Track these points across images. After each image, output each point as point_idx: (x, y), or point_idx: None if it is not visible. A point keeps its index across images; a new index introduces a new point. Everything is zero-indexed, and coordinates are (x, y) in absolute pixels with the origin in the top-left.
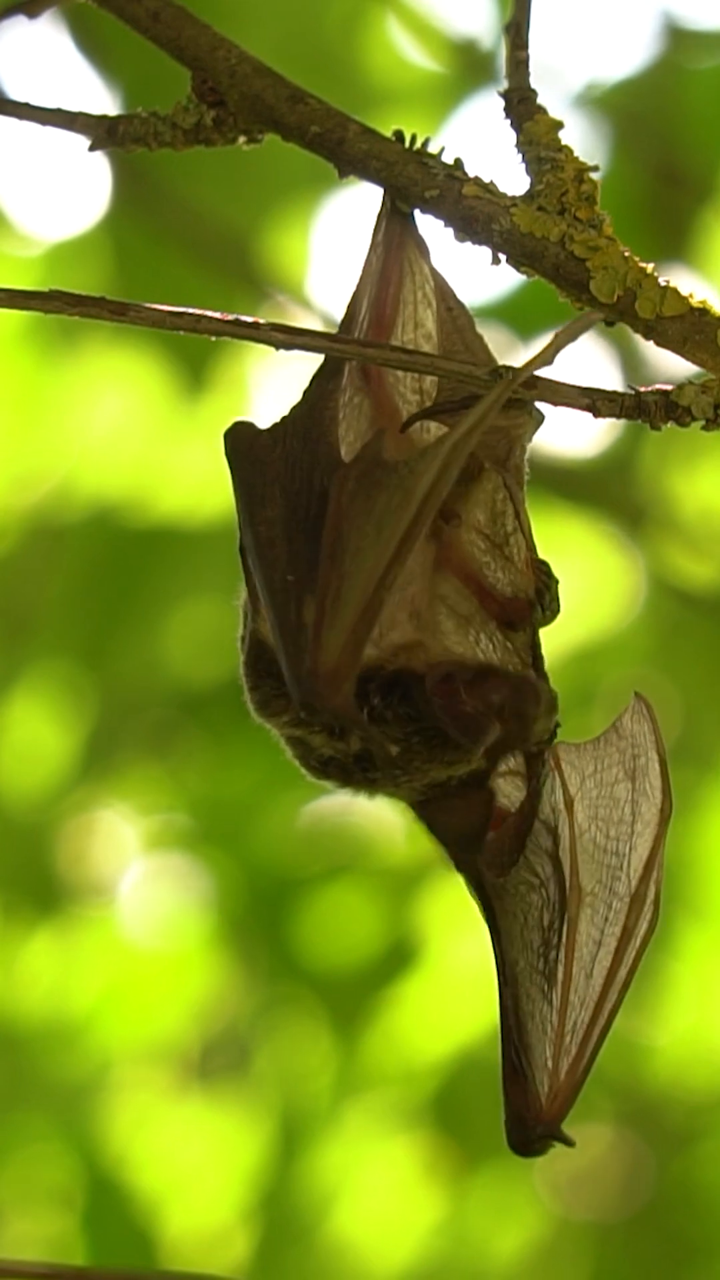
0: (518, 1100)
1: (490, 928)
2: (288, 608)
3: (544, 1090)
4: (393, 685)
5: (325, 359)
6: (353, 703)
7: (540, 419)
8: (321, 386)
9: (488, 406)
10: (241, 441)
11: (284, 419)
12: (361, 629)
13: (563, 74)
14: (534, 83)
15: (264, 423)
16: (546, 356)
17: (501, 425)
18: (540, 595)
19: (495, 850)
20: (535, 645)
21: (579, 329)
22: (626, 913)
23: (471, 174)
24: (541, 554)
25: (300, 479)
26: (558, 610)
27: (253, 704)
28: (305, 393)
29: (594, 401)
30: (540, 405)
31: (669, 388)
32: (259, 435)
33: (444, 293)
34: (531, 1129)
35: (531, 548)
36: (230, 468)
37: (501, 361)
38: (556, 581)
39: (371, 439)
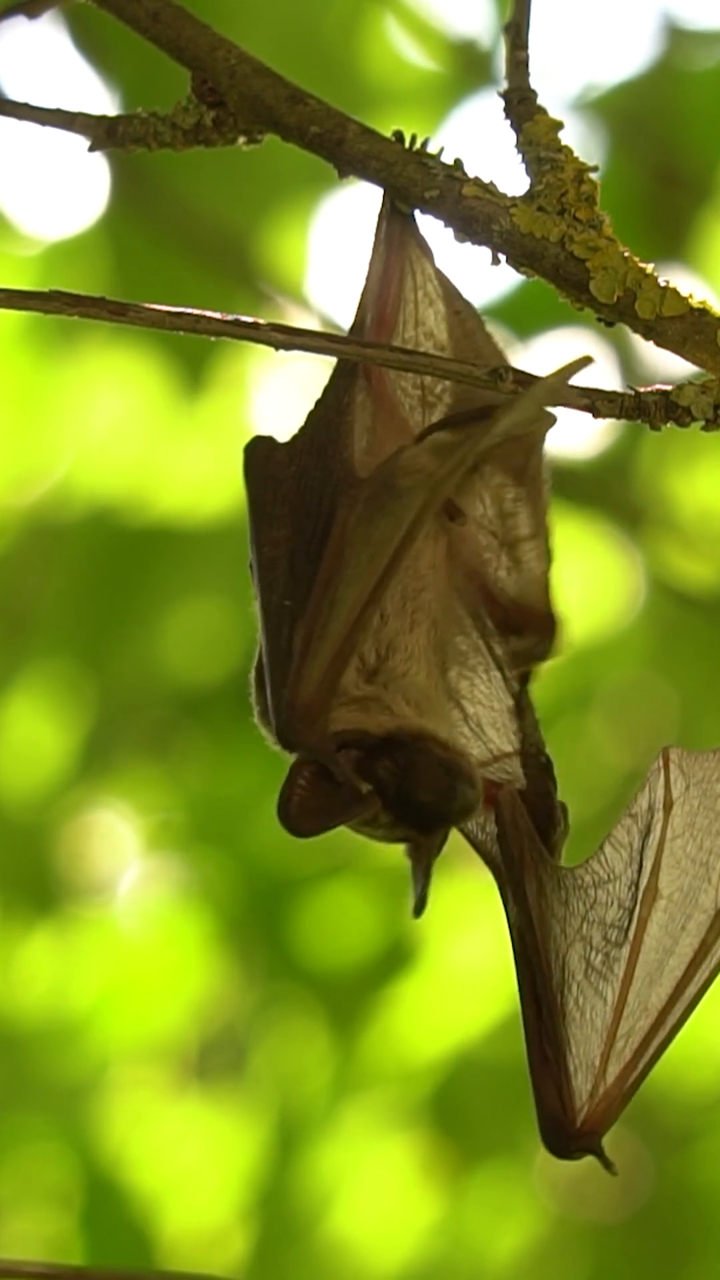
0: (552, 1098)
1: (518, 919)
2: (280, 632)
3: (587, 1090)
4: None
5: (338, 367)
6: (327, 739)
7: (552, 420)
8: (338, 399)
9: (480, 444)
10: (257, 458)
11: (301, 432)
12: (337, 665)
13: (562, 74)
14: (534, 83)
15: (282, 435)
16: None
17: (517, 436)
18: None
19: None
20: (525, 687)
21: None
22: (709, 928)
23: (471, 174)
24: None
25: (311, 499)
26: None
27: (256, 711)
28: (321, 403)
29: (594, 401)
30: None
31: (669, 388)
32: (275, 451)
33: (450, 294)
34: (572, 1135)
35: (548, 559)
36: (245, 484)
37: (508, 362)
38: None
39: (388, 458)
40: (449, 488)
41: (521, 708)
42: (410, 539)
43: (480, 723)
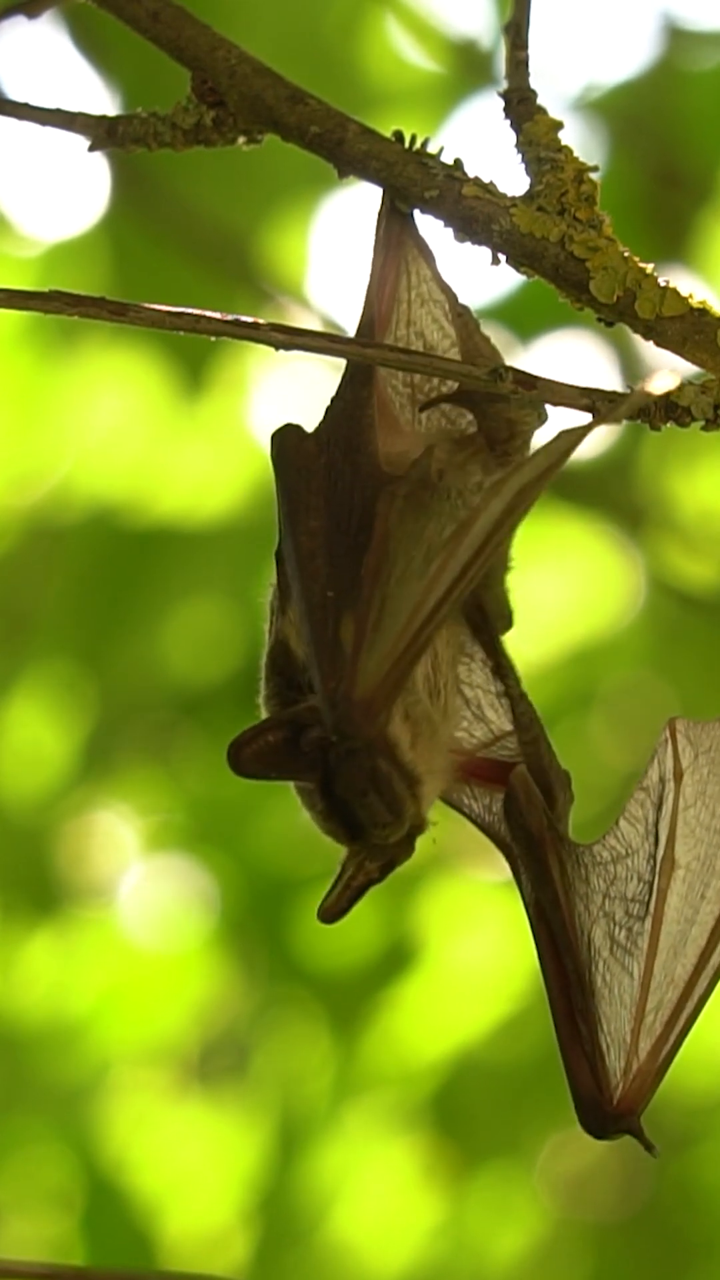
0: (585, 1076)
1: (542, 898)
2: (325, 624)
3: (620, 1068)
4: None
5: (354, 363)
6: (386, 735)
7: (544, 417)
8: (356, 393)
9: (562, 451)
10: (289, 447)
11: (325, 425)
12: (405, 661)
13: (562, 74)
14: (534, 83)
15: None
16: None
17: (507, 416)
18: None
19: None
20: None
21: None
22: None
23: (471, 174)
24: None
25: (343, 491)
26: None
27: (261, 696)
28: (339, 398)
29: (594, 401)
30: (543, 405)
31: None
32: (305, 441)
33: (448, 296)
34: (610, 1116)
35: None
36: (276, 473)
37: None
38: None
39: (421, 455)
40: (517, 518)
41: (505, 674)
42: (494, 538)
43: (480, 705)
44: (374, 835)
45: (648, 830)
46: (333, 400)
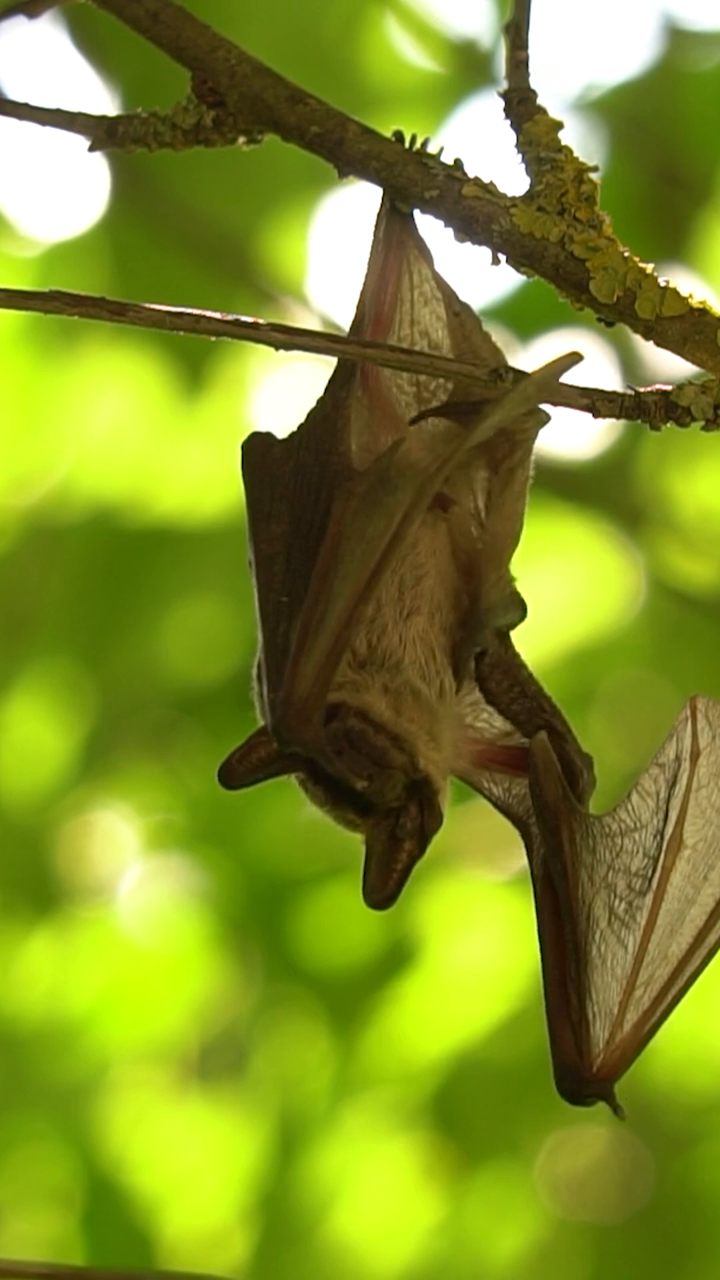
0: (567, 1042)
1: (550, 868)
2: (276, 629)
3: (604, 1038)
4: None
5: (338, 365)
6: (321, 736)
7: (545, 419)
8: (335, 395)
9: (469, 440)
10: (253, 455)
11: (300, 428)
12: (331, 661)
13: (562, 74)
14: (534, 83)
15: (280, 432)
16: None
17: (504, 428)
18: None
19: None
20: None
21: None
22: None
23: (471, 174)
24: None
25: (309, 494)
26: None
27: (254, 693)
28: (320, 401)
29: (594, 401)
30: (543, 405)
31: (669, 388)
32: (272, 448)
33: (447, 295)
34: (586, 1081)
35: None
36: (243, 481)
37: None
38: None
39: (385, 451)
40: (438, 483)
41: (515, 669)
42: (400, 536)
43: None
44: (372, 793)
45: (658, 806)
46: (315, 403)
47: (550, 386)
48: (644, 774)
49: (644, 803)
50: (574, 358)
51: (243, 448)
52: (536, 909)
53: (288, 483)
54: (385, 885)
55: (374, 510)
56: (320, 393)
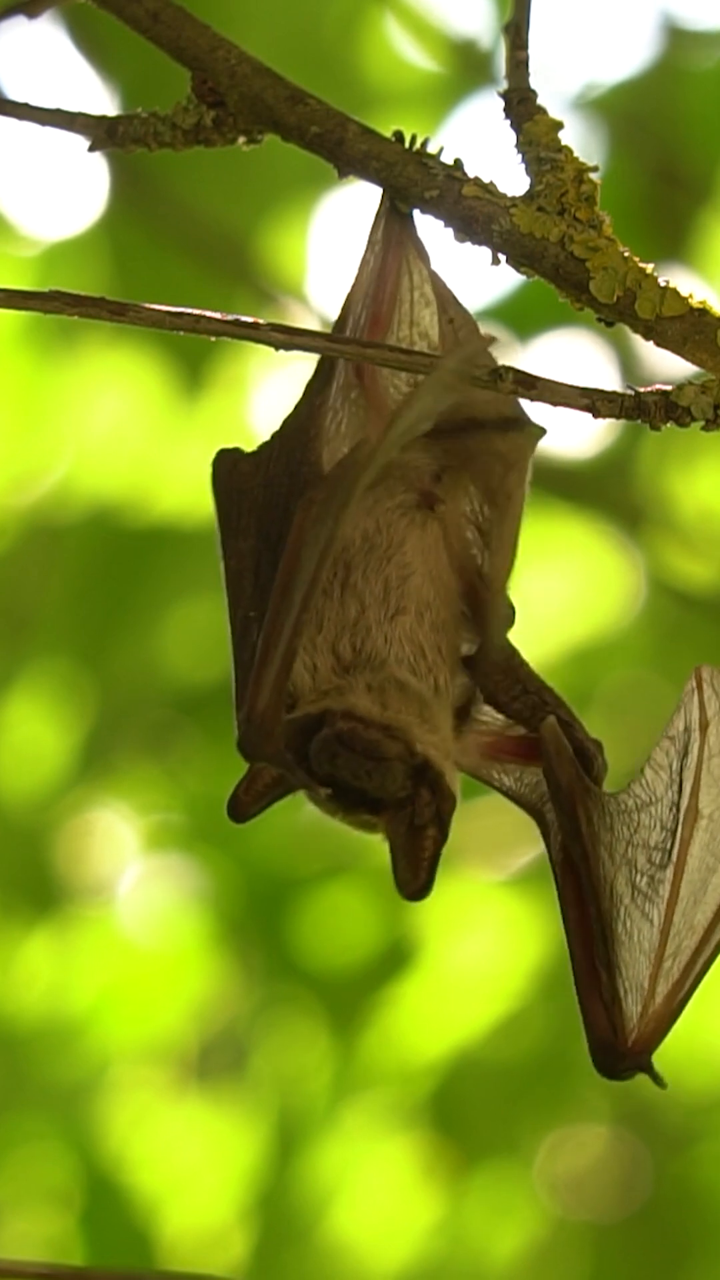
0: (601, 1021)
1: (570, 851)
2: (244, 644)
3: (636, 1012)
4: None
5: (315, 371)
6: (282, 749)
7: (540, 434)
8: (309, 403)
9: (395, 428)
10: (221, 473)
11: (271, 440)
12: (284, 672)
13: (562, 74)
14: (534, 83)
15: (251, 446)
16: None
17: (498, 450)
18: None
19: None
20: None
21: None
22: None
23: (471, 174)
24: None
25: (277, 506)
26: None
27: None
28: (295, 408)
29: (594, 401)
30: (541, 406)
31: (669, 388)
32: (240, 463)
33: (444, 300)
34: (622, 1055)
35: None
36: (213, 499)
37: (500, 362)
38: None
39: (343, 458)
40: (369, 478)
41: (516, 668)
42: (333, 534)
43: None
44: (376, 788)
45: (672, 779)
46: (291, 410)
47: (466, 370)
48: (655, 748)
49: (657, 776)
50: (489, 340)
51: (212, 465)
52: (559, 893)
53: (256, 497)
54: (417, 876)
55: (327, 515)
56: (297, 400)
